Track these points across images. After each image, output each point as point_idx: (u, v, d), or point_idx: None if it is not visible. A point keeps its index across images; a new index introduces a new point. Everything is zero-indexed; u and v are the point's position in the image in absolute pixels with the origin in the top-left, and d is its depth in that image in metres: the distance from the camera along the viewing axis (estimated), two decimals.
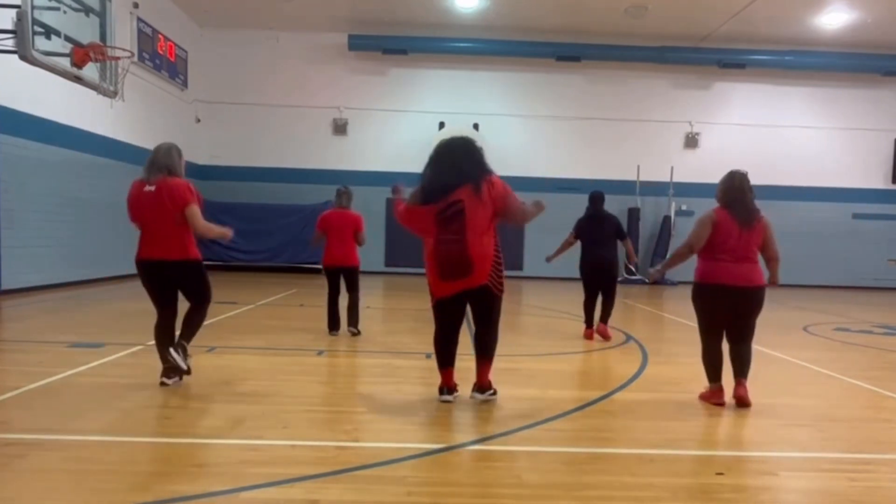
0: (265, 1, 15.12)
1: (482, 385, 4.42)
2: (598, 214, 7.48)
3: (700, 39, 16.60)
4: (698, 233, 4.54)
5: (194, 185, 4.69)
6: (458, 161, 4.28)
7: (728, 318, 4.58)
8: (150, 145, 16.06)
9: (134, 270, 4.68)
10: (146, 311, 8.82)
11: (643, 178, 16.99)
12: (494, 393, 4.44)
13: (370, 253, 14.66)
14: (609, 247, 7.30)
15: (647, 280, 4.92)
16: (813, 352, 6.98)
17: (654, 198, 17.30)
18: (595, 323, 7.31)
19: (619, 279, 16.64)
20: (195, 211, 4.53)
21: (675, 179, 16.84)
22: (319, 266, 16.23)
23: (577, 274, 7.57)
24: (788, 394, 4.96)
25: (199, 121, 16.95)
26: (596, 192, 7.63)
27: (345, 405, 4.31)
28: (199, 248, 4.70)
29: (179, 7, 15.56)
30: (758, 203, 4.70)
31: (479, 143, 4.48)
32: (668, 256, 4.72)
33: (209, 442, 3.52)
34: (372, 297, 11.20)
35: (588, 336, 7.29)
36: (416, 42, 16.65)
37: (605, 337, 7.22)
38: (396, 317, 8.79)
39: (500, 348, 6.91)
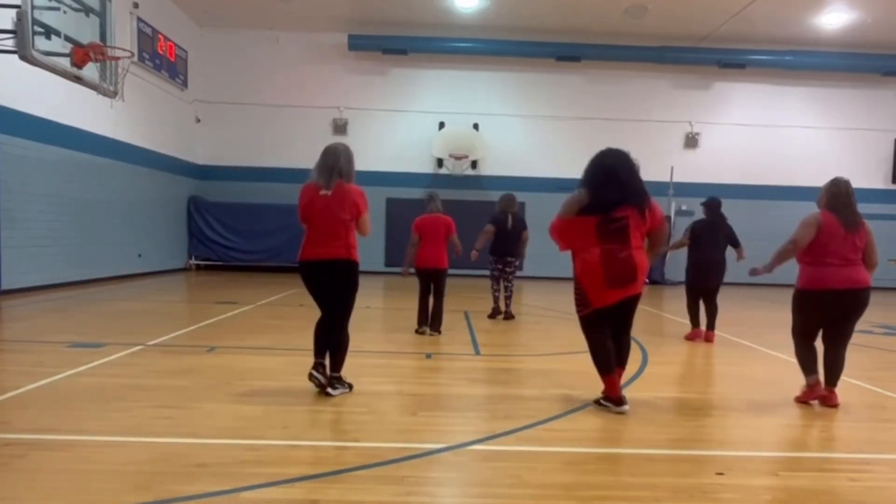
0: (265, 1, 15.12)
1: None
2: (715, 220, 7.69)
3: (700, 39, 16.60)
4: (803, 232, 4.59)
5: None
6: (628, 177, 4.53)
7: (832, 320, 4.66)
8: (150, 145, 16.08)
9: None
10: (146, 311, 8.88)
11: (643, 178, 16.84)
12: None
13: (370, 253, 14.68)
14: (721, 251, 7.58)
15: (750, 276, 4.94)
16: None
17: (654, 198, 17.25)
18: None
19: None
20: (366, 219, 4.62)
21: (675, 179, 16.84)
22: None
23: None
24: (788, 394, 4.95)
25: (199, 121, 16.95)
26: (713, 200, 7.75)
27: (345, 405, 4.31)
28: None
29: (179, 7, 15.56)
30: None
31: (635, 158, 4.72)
32: (772, 256, 4.73)
33: (209, 442, 3.52)
34: (372, 297, 11.21)
35: (695, 337, 7.58)
36: (416, 42, 16.66)
37: (711, 341, 7.46)
38: (396, 317, 8.79)
39: (500, 349, 6.94)
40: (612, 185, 4.39)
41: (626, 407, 4.29)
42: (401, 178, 17.08)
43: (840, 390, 5.26)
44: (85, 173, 11.77)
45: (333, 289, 4.57)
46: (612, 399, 4.34)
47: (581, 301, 4.40)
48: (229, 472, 3.07)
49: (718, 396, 4.94)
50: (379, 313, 9.49)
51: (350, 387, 4.63)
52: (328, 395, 4.46)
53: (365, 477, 3.07)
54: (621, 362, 4.41)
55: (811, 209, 4.83)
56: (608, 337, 4.38)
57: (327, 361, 4.58)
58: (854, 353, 7.10)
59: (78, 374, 4.89)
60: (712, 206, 7.67)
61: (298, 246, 4.65)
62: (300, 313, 9.05)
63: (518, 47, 16.70)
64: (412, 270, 7.48)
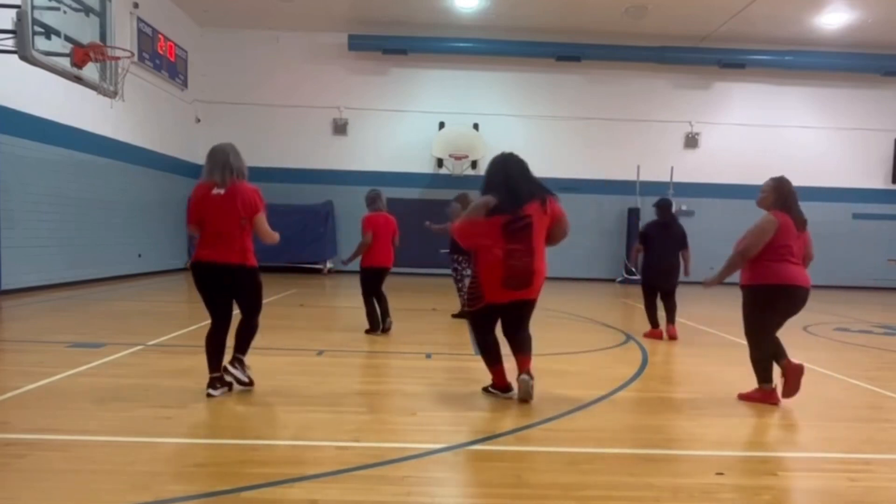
0: (265, 1, 15.12)
1: (529, 370, 4.53)
2: (665, 222, 7.82)
3: (700, 39, 16.61)
4: (756, 240, 4.59)
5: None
6: (528, 177, 4.56)
7: (785, 318, 4.72)
8: (150, 145, 16.06)
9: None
10: (146, 312, 8.87)
11: (643, 178, 16.98)
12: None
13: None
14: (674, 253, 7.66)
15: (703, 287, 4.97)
16: (813, 352, 6.98)
17: (655, 198, 17.28)
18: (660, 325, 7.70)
19: (620, 279, 16.86)
20: (263, 218, 4.53)
21: (675, 179, 16.84)
22: (319, 266, 16.41)
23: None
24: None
25: (199, 121, 16.96)
26: (664, 201, 7.97)
27: (345, 405, 4.31)
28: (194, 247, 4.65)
29: (179, 7, 15.56)
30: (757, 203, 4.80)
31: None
32: (722, 267, 4.74)
33: (209, 442, 3.52)
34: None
35: (656, 336, 7.57)
36: (416, 42, 16.66)
37: (675, 337, 7.51)
38: (396, 317, 8.78)
39: (500, 348, 6.91)
40: (516, 184, 4.50)
41: (512, 392, 4.53)
42: (401, 178, 17.08)
43: (840, 390, 5.27)
44: (85, 173, 11.77)
45: (229, 296, 4.50)
46: (499, 387, 4.62)
47: (475, 295, 4.57)
48: (229, 472, 3.07)
49: (718, 396, 4.94)
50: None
51: (251, 383, 4.56)
52: (227, 371, 4.44)
53: (365, 477, 3.07)
54: (524, 351, 4.54)
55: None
56: (493, 332, 4.64)
57: (239, 374, 4.52)
58: (854, 353, 7.13)
59: (78, 374, 4.89)
60: (663, 207, 7.83)
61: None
62: (300, 313, 9.06)
63: (518, 47, 16.70)
64: (346, 266, 7.46)
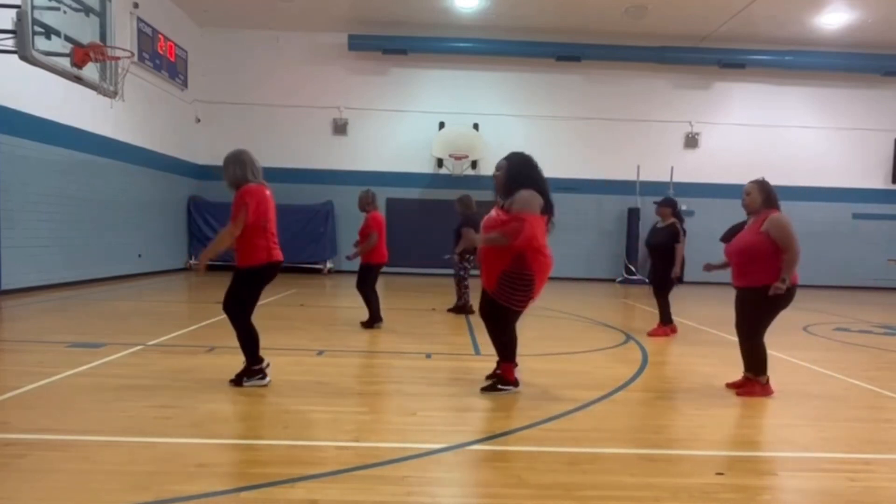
0: (265, 1, 15.12)
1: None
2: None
3: (700, 39, 16.60)
4: (795, 236, 4.72)
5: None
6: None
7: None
8: (150, 145, 16.04)
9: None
10: (146, 311, 8.87)
11: (643, 178, 16.98)
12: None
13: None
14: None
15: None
16: (813, 352, 6.98)
17: (655, 198, 17.30)
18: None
19: (620, 279, 16.86)
20: None
21: (675, 179, 16.84)
22: (319, 266, 16.42)
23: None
24: (788, 394, 4.96)
25: (199, 121, 16.96)
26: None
27: (345, 405, 4.31)
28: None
29: (179, 7, 15.56)
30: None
31: None
32: (785, 269, 4.69)
33: (209, 442, 3.52)
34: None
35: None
36: (416, 42, 16.66)
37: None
38: (396, 317, 8.79)
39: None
40: (544, 184, 4.63)
41: (520, 388, 4.72)
42: (401, 178, 17.09)
43: (840, 390, 5.27)
44: (85, 173, 11.77)
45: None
46: (512, 382, 4.73)
47: (525, 296, 4.58)
48: (229, 472, 3.07)
49: (718, 396, 4.94)
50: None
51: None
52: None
53: (365, 477, 3.07)
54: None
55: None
56: None
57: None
58: (854, 353, 7.13)
59: (78, 374, 4.89)
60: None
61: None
62: (300, 313, 9.05)
63: (518, 47, 16.70)
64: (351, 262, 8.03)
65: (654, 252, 7.78)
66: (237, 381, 4.64)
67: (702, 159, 17.60)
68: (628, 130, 17.52)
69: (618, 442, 3.80)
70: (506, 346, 4.74)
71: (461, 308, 9.28)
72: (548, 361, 6.14)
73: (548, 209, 4.56)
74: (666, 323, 7.78)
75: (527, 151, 4.83)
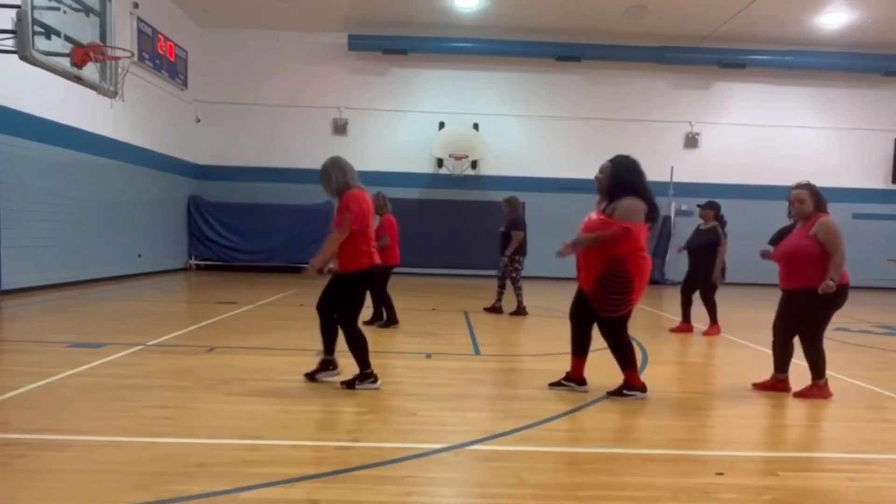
0: (265, 1, 15.12)
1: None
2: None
3: (700, 39, 16.60)
4: (843, 241, 4.76)
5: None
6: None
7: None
8: (150, 145, 16.05)
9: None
10: (146, 311, 8.87)
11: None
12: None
13: None
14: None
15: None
16: None
17: (656, 198, 17.31)
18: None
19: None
20: None
21: (675, 179, 16.84)
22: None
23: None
24: (788, 394, 4.95)
25: (199, 121, 16.96)
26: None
27: (345, 405, 4.31)
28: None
29: (179, 7, 15.56)
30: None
31: None
32: (832, 270, 4.69)
33: (209, 442, 3.52)
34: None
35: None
36: (416, 42, 16.65)
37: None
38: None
39: (500, 348, 6.95)
40: (651, 192, 4.67)
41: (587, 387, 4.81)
42: (401, 178, 17.08)
43: (840, 390, 5.27)
44: (85, 173, 11.77)
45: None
46: (638, 387, 4.71)
47: (625, 300, 4.55)
48: (229, 472, 3.07)
49: (718, 396, 4.94)
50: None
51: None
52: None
53: (365, 477, 3.07)
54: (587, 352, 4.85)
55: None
56: None
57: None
58: (854, 353, 7.13)
59: (78, 374, 4.89)
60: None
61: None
62: (300, 313, 9.05)
63: (518, 47, 16.70)
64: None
65: (696, 253, 7.92)
66: (350, 384, 4.67)
67: (702, 159, 17.60)
68: (628, 130, 17.51)
69: (618, 442, 3.80)
70: (624, 353, 4.72)
71: (495, 309, 9.41)
72: (548, 361, 6.14)
73: (652, 214, 4.58)
74: (714, 322, 8.03)
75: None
